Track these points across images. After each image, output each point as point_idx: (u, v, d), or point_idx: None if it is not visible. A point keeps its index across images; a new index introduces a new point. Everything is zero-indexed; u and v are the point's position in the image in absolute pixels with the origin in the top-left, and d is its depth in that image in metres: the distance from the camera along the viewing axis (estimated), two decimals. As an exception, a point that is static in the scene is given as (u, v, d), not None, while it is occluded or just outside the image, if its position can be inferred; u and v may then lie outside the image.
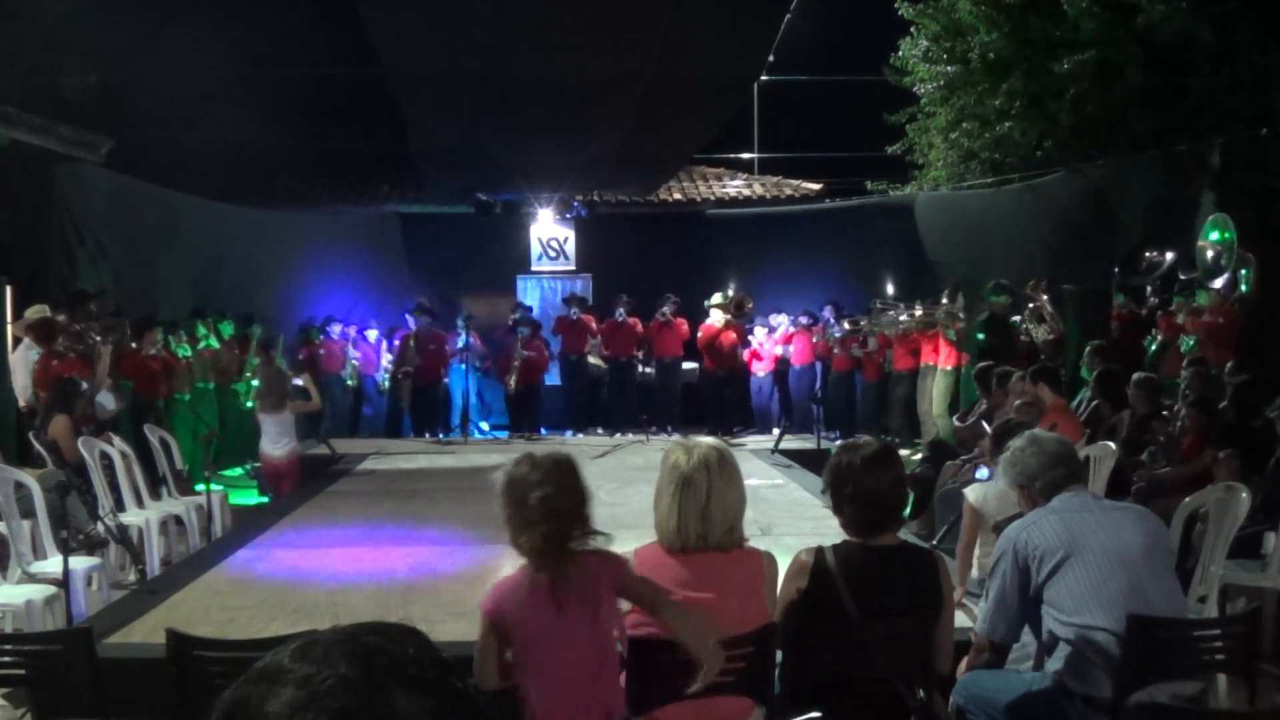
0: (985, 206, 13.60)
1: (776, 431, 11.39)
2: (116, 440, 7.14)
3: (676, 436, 11.11)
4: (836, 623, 3.03)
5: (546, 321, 13.84)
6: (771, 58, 11.23)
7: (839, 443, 3.32)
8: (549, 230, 15.08)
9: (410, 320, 13.00)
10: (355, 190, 15.39)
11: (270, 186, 13.96)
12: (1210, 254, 8.79)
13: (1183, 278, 9.73)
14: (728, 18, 8.57)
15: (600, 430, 12.98)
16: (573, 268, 15.33)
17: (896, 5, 14.77)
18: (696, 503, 2.90)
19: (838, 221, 15.15)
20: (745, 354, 13.58)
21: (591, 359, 13.44)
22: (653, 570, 2.93)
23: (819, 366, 13.38)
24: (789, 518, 6.67)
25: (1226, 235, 8.71)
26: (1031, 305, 10.53)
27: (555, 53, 8.87)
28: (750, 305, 13.33)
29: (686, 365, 13.59)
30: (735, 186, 16.42)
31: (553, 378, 13.55)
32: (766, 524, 6.24)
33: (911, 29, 15.02)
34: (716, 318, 13.03)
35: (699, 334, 13.11)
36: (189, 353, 10.51)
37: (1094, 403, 7.72)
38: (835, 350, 13.02)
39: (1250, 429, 6.24)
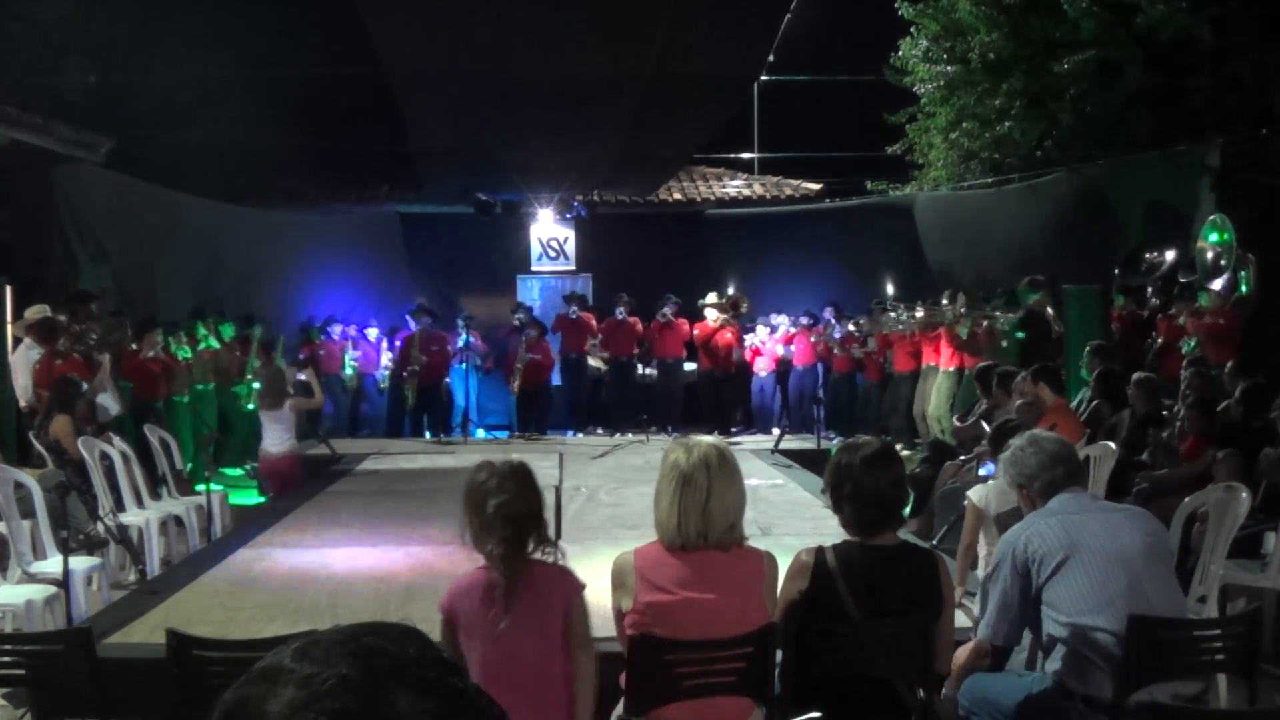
0: (985, 206, 13.60)
1: (776, 431, 11.40)
2: (116, 440, 7.14)
3: (677, 437, 11.05)
4: (836, 623, 3.03)
5: (546, 321, 13.84)
6: (771, 58, 11.22)
7: (839, 442, 3.33)
8: (549, 230, 15.09)
9: (411, 321, 13.00)
10: (355, 190, 15.39)
11: (270, 186, 13.96)
12: (1210, 255, 8.79)
13: (1183, 280, 9.72)
14: (728, 18, 8.57)
15: (600, 430, 12.98)
16: (573, 268, 15.34)
17: (896, 5, 14.76)
18: (697, 501, 2.90)
19: (838, 221, 15.16)
20: (747, 353, 13.59)
21: (591, 360, 13.44)
22: (654, 569, 2.93)
23: (820, 367, 13.38)
24: (789, 518, 6.67)
25: (1225, 236, 8.71)
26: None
27: (555, 53, 8.86)
28: (745, 305, 13.34)
29: (688, 366, 13.60)
30: (735, 186, 16.42)
31: (553, 377, 13.55)
32: (766, 524, 6.24)
33: (911, 29, 15.01)
34: (712, 317, 13.06)
35: (695, 333, 13.14)
36: (189, 354, 10.50)
37: (1094, 403, 7.72)
38: (835, 351, 13.02)
39: (1251, 429, 6.24)
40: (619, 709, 2.98)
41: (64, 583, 4.76)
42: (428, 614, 4.45)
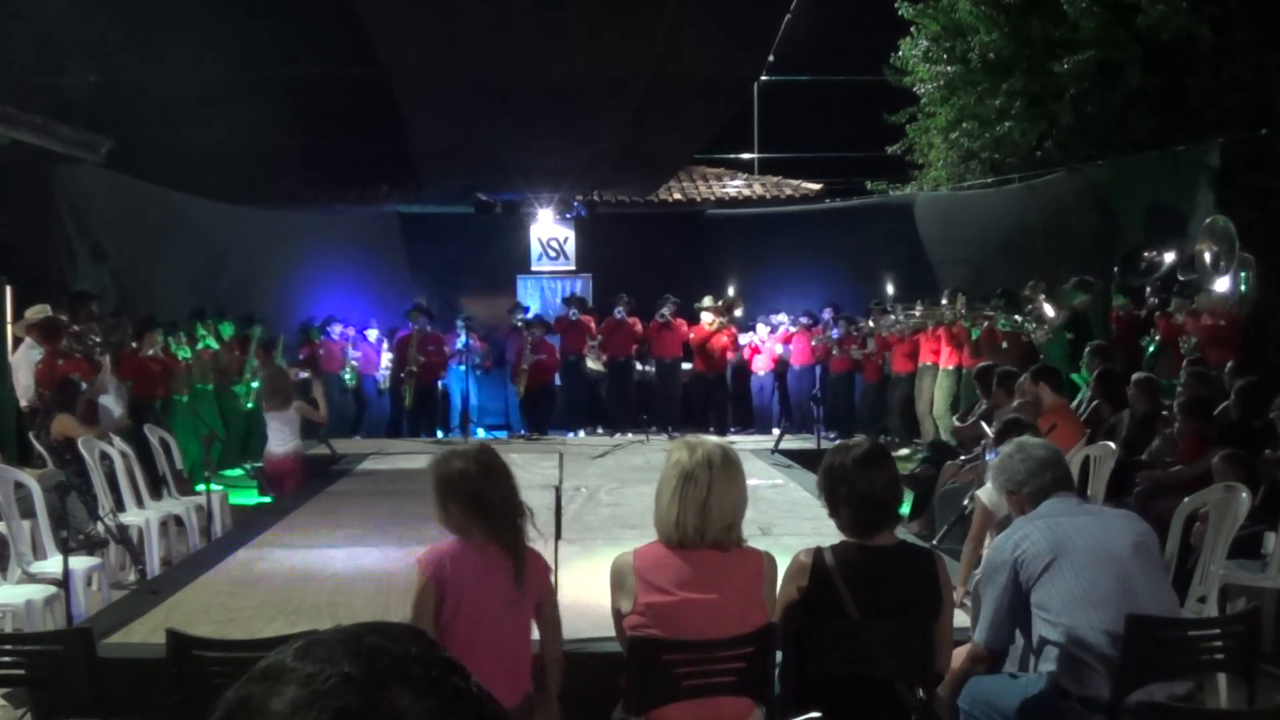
0: (985, 206, 13.60)
1: (776, 431, 11.40)
2: (116, 440, 7.14)
3: (677, 437, 11.10)
4: (836, 623, 3.03)
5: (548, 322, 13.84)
6: (771, 58, 11.23)
7: (832, 444, 3.33)
8: (549, 230, 15.09)
9: (409, 322, 13.01)
10: (355, 190, 15.40)
11: (270, 186, 13.97)
12: (1209, 255, 8.79)
13: (1181, 279, 9.73)
14: (728, 18, 8.57)
15: (600, 430, 12.98)
16: (573, 268, 15.34)
17: (896, 5, 14.77)
18: (696, 498, 2.91)
19: (838, 221, 15.16)
20: (745, 351, 13.60)
21: (590, 363, 13.42)
22: (653, 570, 2.93)
23: (819, 367, 13.39)
24: (789, 518, 6.67)
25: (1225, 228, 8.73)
26: (1030, 306, 10.53)
27: (555, 53, 8.86)
28: (740, 308, 13.38)
29: (686, 366, 13.61)
30: (735, 186, 16.42)
31: (555, 379, 13.54)
32: (766, 524, 6.24)
33: (911, 29, 15.02)
34: (708, 320, 13.07)
35: (691, 335, 13.15)
36: (188, 354, 10.50)
37: (1094, 403, 7.72)
38: (834, 352, 13.03)
39: (1251, 429, 6.24)
40: (619, 709, 2.98)
41: (64, 583, 4.75)
42: (428, 614, 4.47)
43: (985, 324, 10.66)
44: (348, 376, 12.91)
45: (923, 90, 15.08)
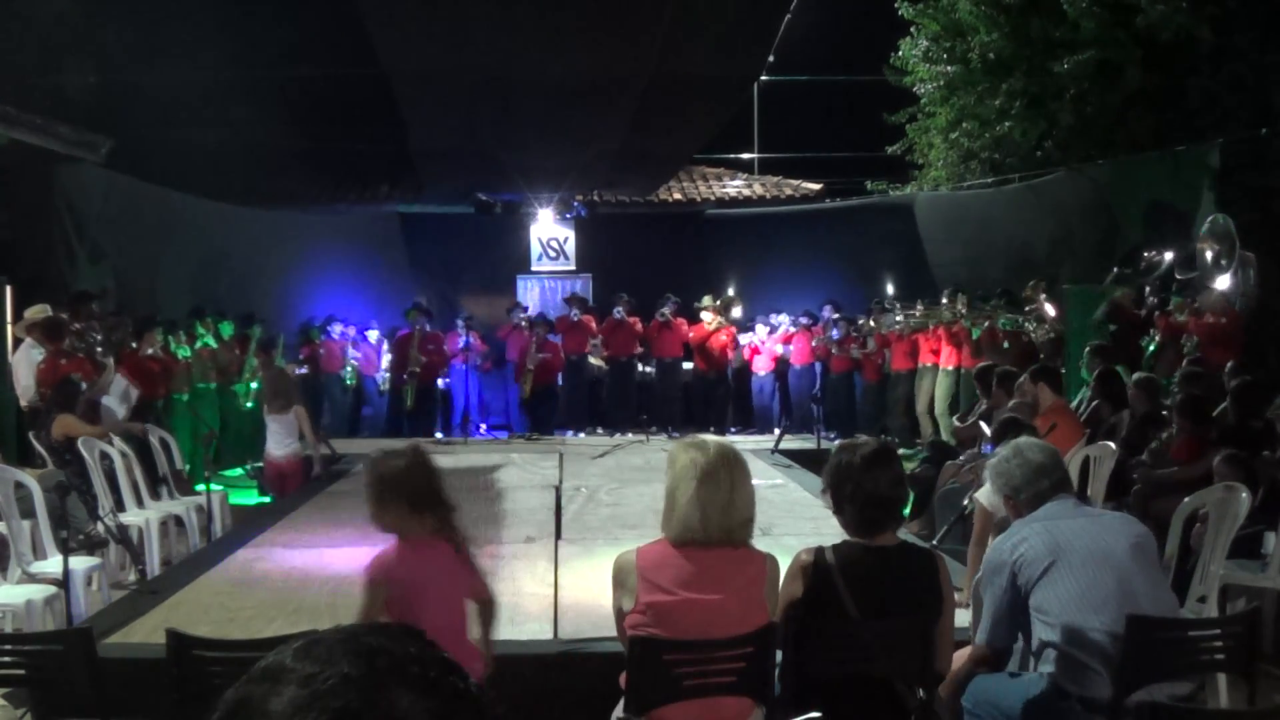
0: (985, 206, 13.61)
1: (776, 431, 11.40)
2: (116, 440, 7.14)
3: (677, 437, 11.14)
4: (836, 623, 3.03)
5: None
6: (771, 58, 11.22)
7: (837, 443, 3.33)
8: (549, 230, 15.09)
9: (406, 321, 13.02)
10: (355, 190, 15.40)
11: (270, 186, 13.97)
12: (1210, 253, 8.78)
13: (1180, 278, 9.73)
14: (728, 18, 8.57)
15: (600, 430, 12.99)
16: (573, 268, 15.34)
17: (896, 5, 14.77)
18: (720, 496, 2.93)
19: (838, 221, 15.16)
20: (745, 352, 13.60)
21: (592, 359, 13.45)
22: (656, 569, 2.93)
23: (819, 367, 13.40)
24: (789, 518, 6.67)
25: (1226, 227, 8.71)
26: (1031, 305, 10.53)
27: (555, 53, 8.86)
28: (736, 307, 13.39)
29: (687, 366, 13.62)
30: (735, 186, 16.42)
31: (558, 379, 13.55)
32: (766, 524, 6.23)
33: (911, 29, 15.02)
34: (707, 319, 13.08)
35: (690, 335, 13.15)
36: (188, 353, 10.50)
37: (1094, 403, 7.72)
38: (834, 352, 13.04)
39: (1251, 430, 6.23)
40: (619, 709, 2.98)
41: (64, 583, 4.76)
42: (428, 614, 4.47)
43: (986, 324, 10.65)
44: (348, 376, 12.91)
45: (923, 90, 15.08)
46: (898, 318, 11.93)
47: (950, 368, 11.18)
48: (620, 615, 3.00)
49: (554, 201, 14.38)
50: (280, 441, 8.08)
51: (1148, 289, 10.41)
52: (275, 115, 11.87)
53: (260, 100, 11.52)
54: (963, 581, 4.37)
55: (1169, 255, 9.83)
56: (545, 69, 9.13)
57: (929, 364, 11.61)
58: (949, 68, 14.42)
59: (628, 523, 6.48)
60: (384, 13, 8.27)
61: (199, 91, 11.72)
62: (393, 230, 15.07)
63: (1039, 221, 12.34)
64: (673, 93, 9.87)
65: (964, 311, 10.95)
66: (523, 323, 13.11)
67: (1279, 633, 5.04)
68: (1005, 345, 10.38)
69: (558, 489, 7.80)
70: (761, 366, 13.62)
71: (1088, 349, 8.41)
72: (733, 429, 13.19)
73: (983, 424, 7.22)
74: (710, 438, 3.10)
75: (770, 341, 13.58)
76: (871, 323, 12.49)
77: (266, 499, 8.52)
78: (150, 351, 9.53)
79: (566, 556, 5.62)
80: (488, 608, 3.30)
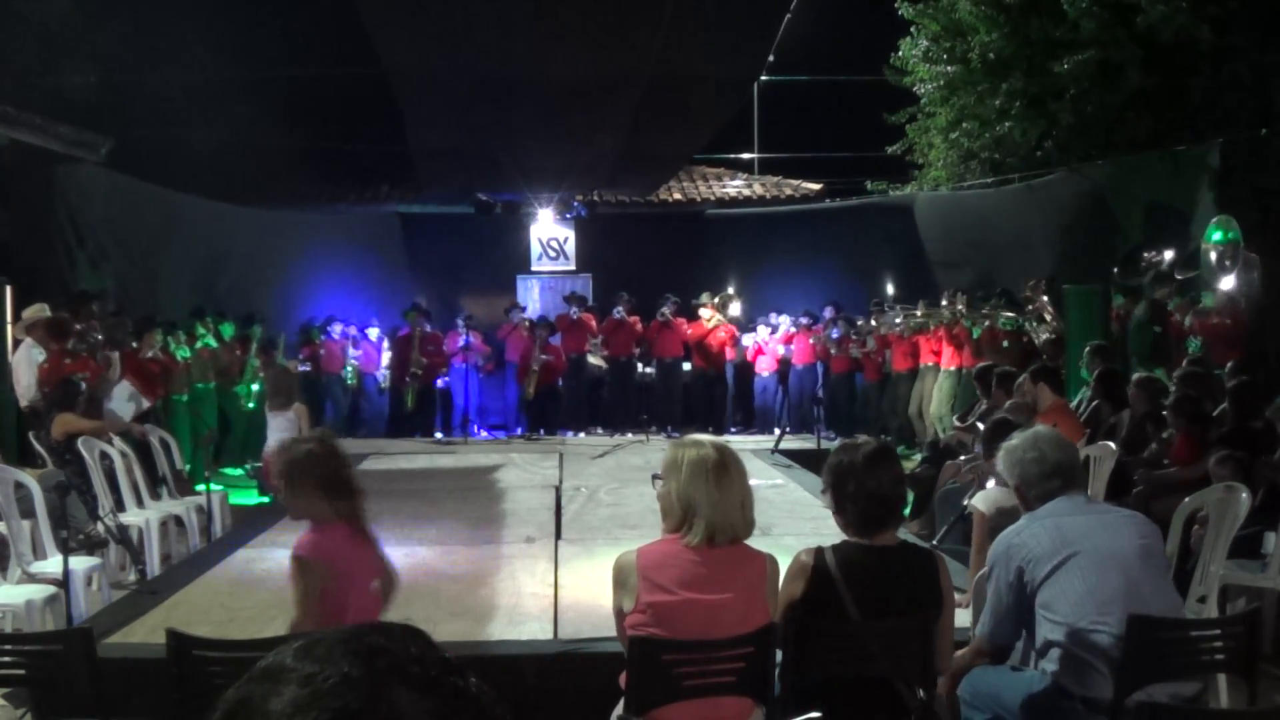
0: (985, 206, 13.60)
1: (777, 431, 11.40)
2: (116, 440, 7.14)
3: (677, 437, 11.13)
4: (836, 623, 3.03)
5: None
6: (771, 58, 11.22)
7: (837, 443, 3.33)
8: (549, 230, 15.09)
9: (405, 323, 13.02)
10: (355, 190, 15.41)
11: (270, 186, 13.98)
12: (1214, 256, 8.77)
13: (1179, 278, 9.73)
14: (728, 18, 8.57)
15: (600, 430, 12.99)
16: (573, 268, 15.34)
17: (896, 5, 14.77)
18: (734, 492, 2.95)
19: (838, 221, 15.16)
20: (749, 352, 13.60)
21: (592, 359, 13.45)
22: (657, 569, 2.93)
23: (820, 367, 13.40)
24: (789, 518, 6.68)
25: (1230, 235, 8.69)
26: (1031, 306, 10.52)
27: (555, 53, 8.86)
28: (732, 304, 13.38)
29: (686, 365, 13.62)
30: (735, 186, 16.43)
31: (557, 381, 13.55)
32: (766, 524, 6.23)
33: (911, 29, 15.02)
34: (706, 317, 13.08)
35: (688, 332, 13.15)
36: (188, 354, 10.50)
37: (1094, 403, 7.71)
38: (834, 352, 13.04)
39: (1250, 430, 6.23)
40: (619, 709, 2.98)
41: (64, 583, 4.76)
42: (429, 614, 4.47)
43: (986, 324, 10.65)
44: (349, 376, 12.91)
45: (923, 90, 15.07)
46: (897, 318, 11.93)
47: (951, 368, 11.18)
48: (620, 615, 3.00)
49: (554, 201, 14.38)
50: (279, 439, 8.07)
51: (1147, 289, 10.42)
52: (275, 115, 11.89)
53: (260, 100, 11.54)
54: (963, 582, 4.37)
55: (1168, 256, 9.83)
56: (545, 69, 9.12)
57: (929, 364, 11.61)
58: (949, 68, 14.41)
59: (628, 523, 6.48)
60: (384, 13, 8.27)
61: (199, 91, 11.74)
62: (393, 230, 15.07)
63: (1039, 221, 12.34)
64: (673, 93, 9.87)
65: (964, 312, 10.95)
66: (523, 325, 13.10)
67: (1279, 633, 5.04)
68: (1005, 345, 10.37)
69: (558, 489, 7.80)
70: (765, 367, 13.63)
71: (1088, 349, 8.41)
72: (733, 429, 13.19)
73: (980, 425, 7.22)
74: (705, 437, 3.10)
75: (772, 341, 13.58)
76: (873, 321, 12.49)
77: (266, 499, 8.52)
78: (150, 353, 9.52)
79: (566, 556, 5.62)
80: (390, 588, 3.41)
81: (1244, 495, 4.70)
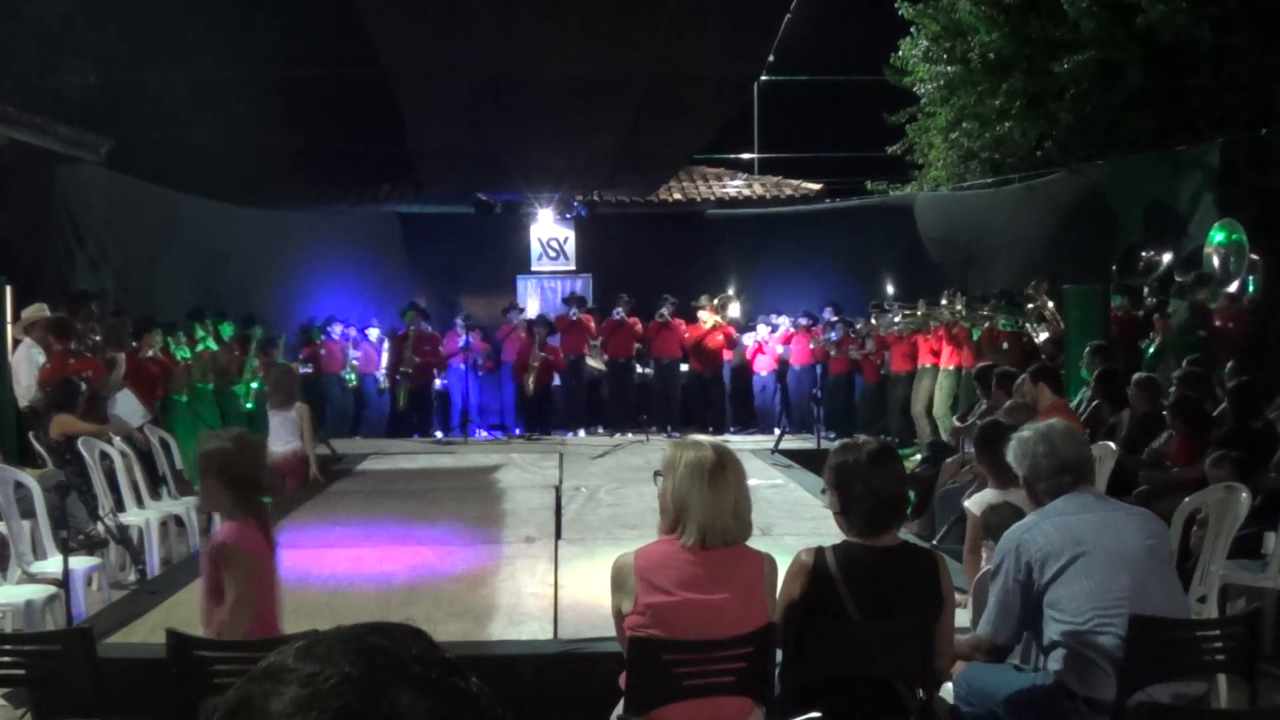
0: (985, 206, 13.61)
1: (777, 431, 11.40)
2: (117, 440, 7.14)
3: (676, 437, 11.15)
4: (836, 623, 3.03)
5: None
6: (771, 58, 11.22)
7: (837, 443, 3.32)
8: (549, 230, 15.09)
9: (403, 322, 13.02)
10: (355, 190, 15.40)
11: (270, 186, 13.98)
12: (1217, 258, 8.75)
13: (1179, 279, 9.72)
14: (728, 18, 8.57)
15: (600, 430, 12.98)
16: (573, 268, 15.33)
17: (896, 5, 14.77)
18: (729, 497, 2.94)
19: (838, 221, 15.16)
20: (748, 352, 13.60)
21: (591, 361, 13.42)
22: (655, 570, 2.93)
23: (819, 367, 13.40)
24: (789, 518, 6.68)
25: (1235, 236, 8.69)
26: (1032, 305, 10.52)
27: (555, 53, 8.86)
28: (731, 305, 13.39)
29: (684, 366, 13.62)
30: (735, 186, 16.42)
31: (554, 379, 13.55)
32: (766, 524, 6.23)
33: (911, 29, 15.02)
34: (705, 319, 13.09)
35: (686, 334, 13.15)
36: (188, 354, 10.49)
37: (1094, 403, 7.71)
38: (832, 353, 13.03)
39: (1250, 430, 6.22)
40: (619, 709, 2.98)
41: (64, 583, 4.75)
42: (429, 614, 4.47)
43: (986, 324, 10.65)
44: (349, 376, 12.91)
45: (923, 90, 15.08)
46: (896, 319, 11.93)
47: (951, 368, 11.18)
48: (619, 617, 2.99)
49: (554, 201, 14.37)
50: (280, 439, 8.07)
51: (1146, 290, 10.42)
52: (275, 115, 11.88)
53: (260, 100, 11.53)
54: (963, 582, 4.36)
55: (1166, 255, 9.83)
56: (545, 69, 9.13)
57: (928, 365, 11.62)
58: (949, 68, 14.42)
59: (628, 523, 6.48)
60: (384, 13, 8.27)
61: (199, 91, 11.73)
62: (393, 230, 15.07)
63: (1039, 221, 12.34)
64: (673, 93, 9.88)
65: (964, 312, 10.95)
66: (521, 326, 13.08)
67: (1279, 633, 5.04)
68: (1005, 346, 10.37)
69: (558, 489, 7.80)
70: (763, 366, 13.62)
71: (1088, 349, 8.41)
72: (732, 429, 13.18)
73: (978, 425, 7.22)
74: (704, 438, 3.11)
75: (771, 341, 13.57)
76: (873, 321, 12.49)
77: (266, 499, 8.50)
78: (150, 354, 9.52)
79: (566, 556, 5.62)
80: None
81: (1244, 495, 4.70)
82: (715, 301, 13.35)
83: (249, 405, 11.08)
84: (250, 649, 3.06)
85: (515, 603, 4.74)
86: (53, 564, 5.11)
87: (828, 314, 13.38)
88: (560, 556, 5.62)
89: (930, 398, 11.53)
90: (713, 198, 16.02)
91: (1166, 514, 4.95)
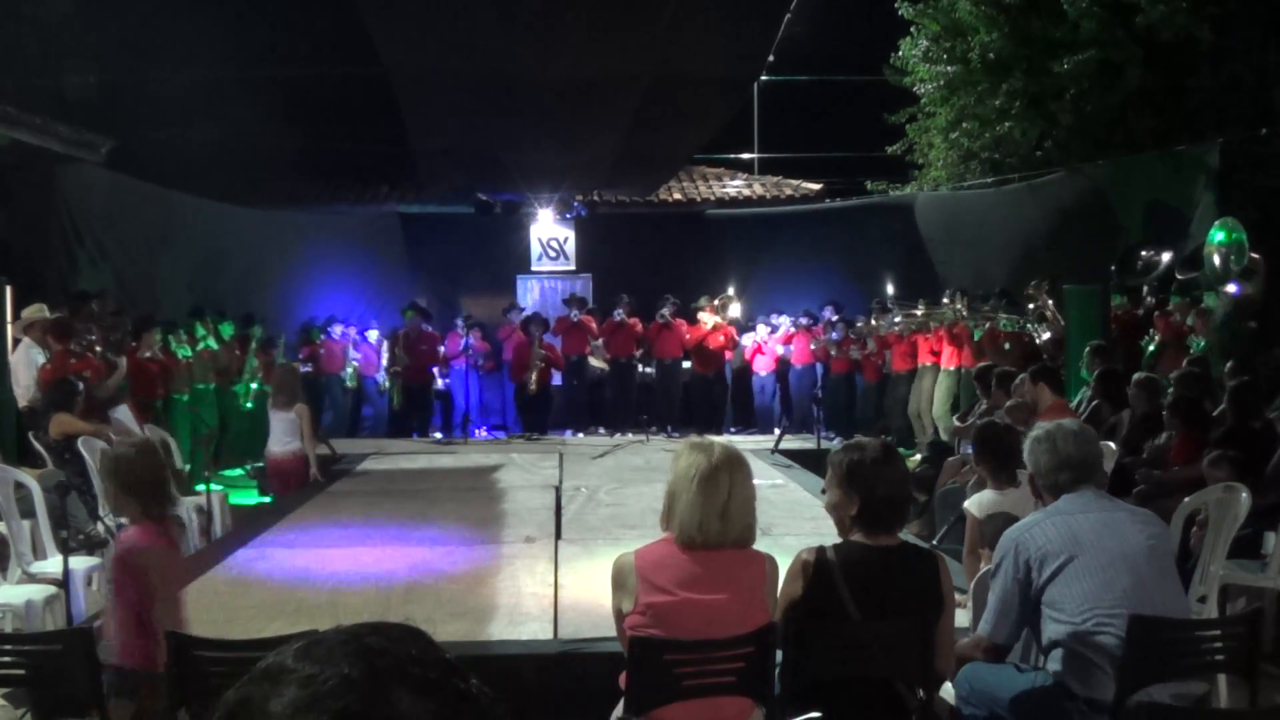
0: (985, 206, 13.60)
1: (777, 431, 11.40)
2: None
3: (676, 437, 11.19)
4: (837, 623, 3.03)
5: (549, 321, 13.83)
6: (771, 58, 11.22)
7: (839, 444, 3.32)
8: (549, 230, 15.09)
9: (403, 322, 13.02)
10: (355, 190, 15.40)
11: (270, 186, 13.97)
12: (1217, 258, 8.74)
13: (1179, 278, 9.72)
14: (728, 18, 8.57)
15: (600, 430, 12.98)
16: (573, 268, 15.33)
17: (896, 5, 14.78)
18: (718, 501, 2.93)
19: (838, 221, 15.16)
20: (748, 352, 13.60)
21: (593, 361, 13.43)
22: (655, 570, 2.93)
23: (819, 367, 13.40)
24: (789, 518, 6.67)
25: (1235, 235, 8.68)
26: (1033, 305, 10.52)
27: (555, 53, 8.86)
28: (731, 305, 13.39)
29: (686, 365, 13.62)
30: (735, 186, 16.42)
31: (554, 378, 13.55)
32: (766, 524, 6.22)
33: (911, 29, 15.03)
34: (705, 319, 13.09)
35: (687, 335, 13.15)
36: (189, 353, 10.50)
37: (1094, 403, 7.72)
38: (833, 353, 13.03)
39: (1250, 430, 6.22)
40: (619, 709, 2.98)
41: (64, 583, 4.75)
42: (429, 614, 4.47)
43: (987, 324, 10.65)
44: (349, 376, 12.91)
45: (923, 90, 15.08)
46: (896, 319, 11.93)
47: (951, 368, 11.18)
48: (620, 617, 3.00)
49: (554, 201, 14.37)
50: (281, 438, 8.08)
51: (1145, 289, 10.42)
52: (275, 115, 11.86)
53: (260, 100, 11.51)
54: (964, 582, 4.36)
55: (1166, 255, 9.82)
56: (545, 69, 9.12)
57: (928, 364, 11.62)
58: (949, 68, 14.42)
59: (628, 523, 6.48)
60: (384, 13, 8.26)
61: (199, 91, 11.71)
62: (393, 230, 15.06)
63: (1039, 221, 12.34)
64: (673, 93, 9.87)
65: (964, 312, 10.95)
66: (522, 322, 13.08)
67: (1279, 633, 5.04)
68: (1007, 346, 10.37)
69: (558, 489, 7.80)
70: (763, 366, 13.62)
71: (1088, 349, 8.41)
72: (732, 429, 13.18)
73: (977, 426, 7.21)
74: (716, 440, 3.11)
75: (771, 341, 13.57)
76: (874, 321, 12.49)
77: (266, 499, 8.52)
78: (149, 354, 9.51)
79: (566, 556, 5.62)
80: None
81: (1244, 495, 4.70)
82: (716, 302, 13.35)
83: (248, 405, 11.08)
84: (250, 649, 3.06)
85: (515, 603, 4.73)
86: (53, 564, 5.11)
87: (828, 314, 13.38)
88: (560, 556, 5.62)
89: (930, 398, 11.53)
90: (713, 198, 16.02)
91: (1166, 514, 4.96)
